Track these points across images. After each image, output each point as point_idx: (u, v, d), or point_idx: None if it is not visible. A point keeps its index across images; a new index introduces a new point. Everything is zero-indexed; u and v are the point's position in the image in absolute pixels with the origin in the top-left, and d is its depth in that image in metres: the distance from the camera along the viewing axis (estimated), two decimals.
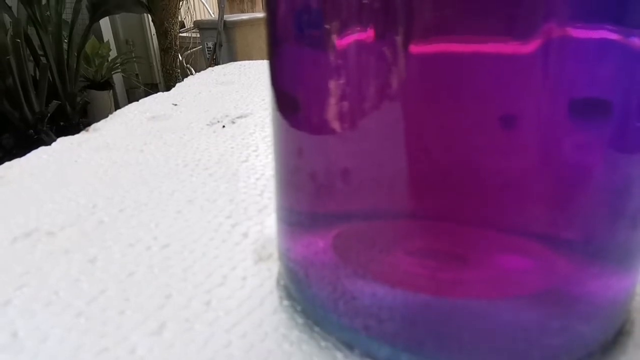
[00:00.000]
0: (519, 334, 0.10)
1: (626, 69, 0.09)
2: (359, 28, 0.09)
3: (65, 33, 1.42)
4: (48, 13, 1.37)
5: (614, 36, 0.08)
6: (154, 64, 2.01)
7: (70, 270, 0.15)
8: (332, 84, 0.10)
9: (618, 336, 0.11)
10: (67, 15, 1.45)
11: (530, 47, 0.08)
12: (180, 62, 1.77)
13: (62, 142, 0.27)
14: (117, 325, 0.13)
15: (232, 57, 1.52)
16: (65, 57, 1.41)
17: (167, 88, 0.40)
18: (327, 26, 0.09)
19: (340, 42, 0.09)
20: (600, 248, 0.10)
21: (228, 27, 1.56)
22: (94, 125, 0.30)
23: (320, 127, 0.11)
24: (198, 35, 1.73)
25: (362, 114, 0.10)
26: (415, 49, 0.09)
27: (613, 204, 0.10)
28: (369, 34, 0.09)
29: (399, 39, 0.09)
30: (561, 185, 0.09)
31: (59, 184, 0.22)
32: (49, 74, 1.35)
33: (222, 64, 0.49)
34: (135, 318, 0.13)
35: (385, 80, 0.09)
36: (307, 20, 0.10)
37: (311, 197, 0.12)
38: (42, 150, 0.26)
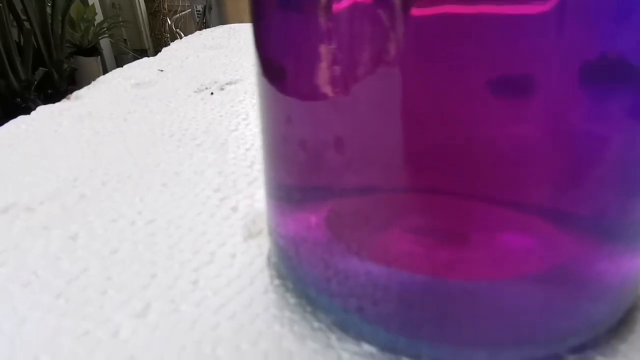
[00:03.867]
0: (523, 316, 0.10)
1: None
2: None
3: None
4: None
5: None
6: (142, 28, 1.95)
7: (50, 248, 0.15)
8: (323, 49, 0.09)
9: (627, 316, 0.11)
10: None
11: (543, 6, 0.07)
12: (169, 26, 1.72)
13: (42, 111, 0.25)
14: (99, 307, 0.12)
15: (223, 21, 1.48)
16: (50, 21, 1.36)
17: (156, 53, 0.38)
18: None
19: (334, 3, 0.08)
20: (612, 225, 0.09)
21: None
22: (76, 93, 0.28)
23: (310, 94, 0.10)
24: None
25: (356, 80, 0.09)
26: (417, 9, 0.08)
27: (628, 178, 0.09)
28: None
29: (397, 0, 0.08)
30: (572, 158, 0.09)
31: (38, 156, 0.21)
32: (34, 40, 1.31)
33: (213, 27, 0.47)
34: (118, 298, 0.13)
35: (383, 44, 0.08)
36: None
37: (302, 170, 0.11)
38: (20, 119, 0.24)
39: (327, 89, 0.09)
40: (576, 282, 0.10)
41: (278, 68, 0.10)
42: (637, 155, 0.09)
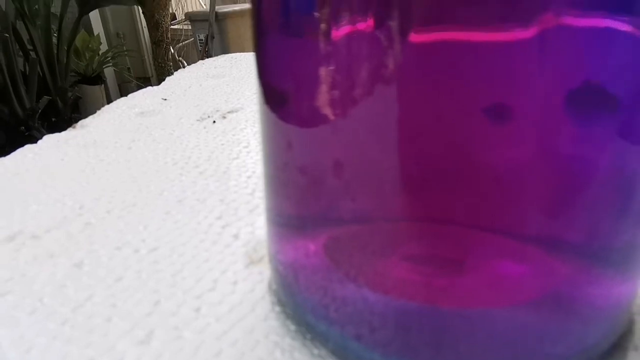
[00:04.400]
0: (518, 342, 0.10)
1: (633, 59, 0.08)
2: (351, 16, 0.08)
3: (54, 27, 1.39)
4: (36, 6, 1.35)
5: (620, 25, 0.08)
6: (146, 57, 1.99)
7: (56, 276, 0.15)
8: (323, 75, 0.09)
9: (620, 341, 0.11)
10: (55, 8, 1.43)
11: (531, 35, 0.08)
12: (173, 55, 1.75)
13: (48, 140, 0.26)
14: (104, 334, 0.13)
15: (225, 49, 1.50)
16: (55, 51, 1.39)
17: (160, 82, 0.39)
18: (317, 14, 0.09)
19: (334, 30, 0.09)
20: (604, 250, 0.10)
21: (220, 19, 1.54)
22: (82, 122, 0.29)
23: (311, 121, 0.10)
24: (190, 28, 1.71)
25: (355, 107, 0.09)
26: (412, 37, 0.08)
27: (618, 203, 0.09)
28: (362, 22, 0.08)
29: (394, 27, 0.08)
30: (564, 184, 0.09)
31: (45, 184, 0.21)
32: (39, 69, 1.33)
33: (215, 56, 0.48)
34: (123, 326, 0.13)
35: (379, 72, 0.08)
36: (298, 7, 0.09)
37: (302, 197, 0.11)
38: (27, 148, 0.25)
39: (327, 116, 0.10)
40: (570, 307, 0.10)
41: (280, 94, 0.11)
42: (624, 180, 0.09)
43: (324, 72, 0.09)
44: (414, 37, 0.08)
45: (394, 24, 0.08)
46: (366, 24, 0.08)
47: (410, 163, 0.09)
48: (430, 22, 0.08)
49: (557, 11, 0.07)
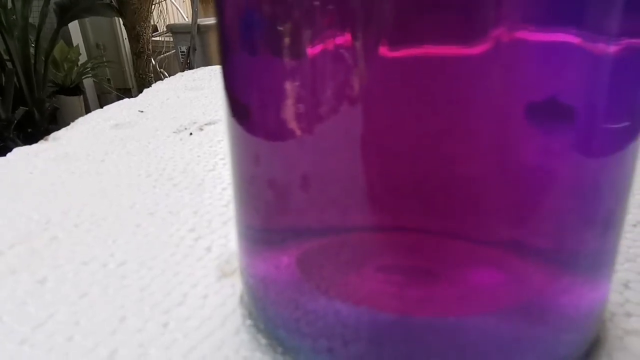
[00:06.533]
0: (491, 352, 0.10)
1: (589, 72, 0.08)
2: (316, 31, 0.08)
3: (32, 37, 1.38)
4: (14, 17, 1.33)
5: (577, 40, 0.08)
6: (127, 68, 1.97)
7: (17, 292, 0.14)
8: (290, 90, 0.09)
9: (592, 349, 0.11)
10: (34, 19, 1.41)
11: (489, 50, 0.08)
12: (154, 66, 1.74)
13: (18, 152, 0.25)
14: (64, 354, 0.12)
15: (207, 61, 1.50)
16: (33, 62, 1.36)
17: (141, 93, 0.38)
18: (281, 29, 0.09)
19: (299, 46, 0.09)
20: (573, 257, 0.10)
21: (202, 31, 1.54)
22: (54, 134, 0.28)
23: (278, 135, 0.10)
24: (171, 39, 1.71)
25: (322, 121, 0.09)
26: (375, 54, 0.08)
27: (583, 210, 0.09)
28: (328, 38, 0.08)
29: (359, 43, 0.08)
30: (530, 193, 0.09)
31: (11, 198, 0.20)
32: (15, 80, 1.31)
33: (197, 68, 0.48)
34: (85, 345, 0.12)
35: (343, 87, 0.08)
36: (263, 22, 0.09)
37: (271, 210, 0.11)
38: None
39: (294, 129, 0.09)
40: (542, 315, 0.10)
41: (246, 108, 0.11)
42: (589, 188, 0.09)
43: (290, 87, 0.09)
44: (377, 54, 0.08)
45: (358, 40, 0.08)
46: (331, 40, 0.08)
47: (379, 174, 0.09)
48: (394, 39, 0.08)
49: (517, 27, 0.08)
